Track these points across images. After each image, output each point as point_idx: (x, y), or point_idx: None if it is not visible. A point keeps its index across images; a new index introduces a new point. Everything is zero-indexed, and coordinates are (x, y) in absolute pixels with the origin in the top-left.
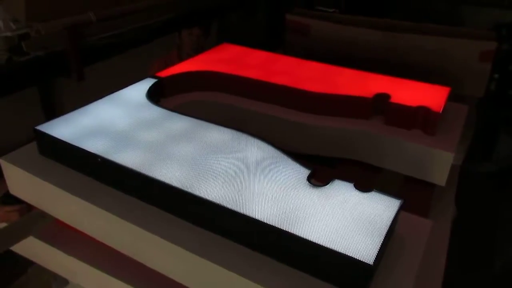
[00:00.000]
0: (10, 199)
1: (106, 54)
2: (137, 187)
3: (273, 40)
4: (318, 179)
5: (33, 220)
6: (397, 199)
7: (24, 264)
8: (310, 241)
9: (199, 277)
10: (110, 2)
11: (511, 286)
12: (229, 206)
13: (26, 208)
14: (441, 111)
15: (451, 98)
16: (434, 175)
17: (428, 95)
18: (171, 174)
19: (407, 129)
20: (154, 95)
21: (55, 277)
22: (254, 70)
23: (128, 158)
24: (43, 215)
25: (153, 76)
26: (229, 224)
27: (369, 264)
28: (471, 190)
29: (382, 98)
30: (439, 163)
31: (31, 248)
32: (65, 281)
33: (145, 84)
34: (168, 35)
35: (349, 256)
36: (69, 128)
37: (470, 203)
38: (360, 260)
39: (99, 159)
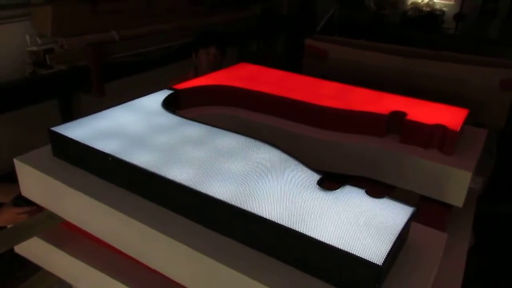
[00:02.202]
0: (22, 201)
1: (127, 73)
2: (148, 187)
3: (291, 66)
4: (328, 186)
5: (41, 220)
6: (409, 206)
7: (29, 269)
8: (319, 240)
9: (207, 279)
10: (133, 23)
11: None
12: (239, 206)
13: (36, 210)
14: (458, 130)
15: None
16: (451, 195)
17: (445, 115)
18: (182, 175)
19: (423, 147)
20: (169, 106)
21: (58, 283)
22: (270, 86)
23: (140, 159)
24: (52, 216)
25: (170, 88)
26: (237, 224)
27: (378, 264)
28: (490, 224)
29: (398, 116)
30: (456, 183)
31: (36, 249)
32: (68, 286)
33: (161, 95)
34: (188, 57)
35: (358, 256)
36: (83, 130)
37: (489, 234)
38: (369, 261)
39: (110, 158)
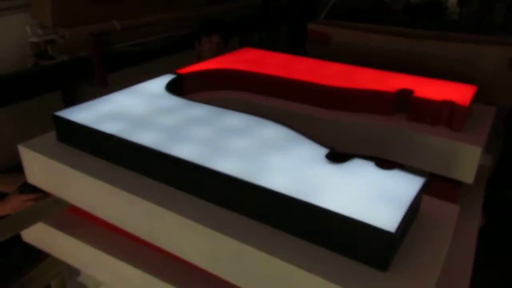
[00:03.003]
0: (28, 189)
1: (129, 63)
2: (154, 166)
3: (295, 53)
4: (337, 159)
5: (47, 206)
6: (420, 177)
7: (37, 256)
8: (330, 210)
9: (218, 255)
10: (134, 13)
11: None
12: (247, 180)
13: (42, 197)
14: (467, 105)
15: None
16: (461, 172)
17: (453, 92)
18: (188, 152)
19: (431, 124)
20: (173, 90)
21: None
22: (275, 69)
23: (145, 139)
24: (58, 201)
25: (173, 72)
26: (246, 199)
27: (391, 232)
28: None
29: (405, 94)
30: (466, 159)
31: (43, 235)
32: (77, 272)
33: (165, 79)
34: (190, 47)
35: (370, 224)
36: (87, 114)
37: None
38: (381, 228)
39: (115, 139)
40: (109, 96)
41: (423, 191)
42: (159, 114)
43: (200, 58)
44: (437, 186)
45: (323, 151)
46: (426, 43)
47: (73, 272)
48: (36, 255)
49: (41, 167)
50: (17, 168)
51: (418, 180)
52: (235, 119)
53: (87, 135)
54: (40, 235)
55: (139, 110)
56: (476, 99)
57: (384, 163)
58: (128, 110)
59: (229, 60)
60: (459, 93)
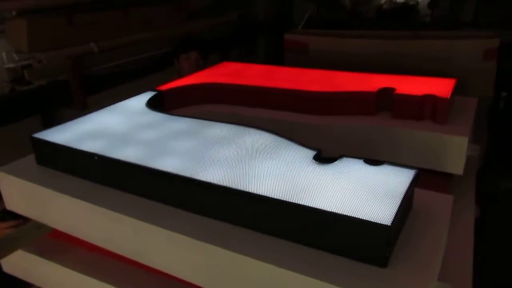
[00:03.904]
0: (7, 216)
1: (109, 84)
2: (138, 182)
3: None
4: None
5: (27, 232)
6: (411, 169)
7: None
8: (323, 210)
9: (210, 268)
10: (111, 34)
11: None
12: (235, 187)
13: (22, 223)
14: (449, 97)
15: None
16: (450, 164)
17: (434, 86)
18: (172, 165)
19: (415, 120)
20: (154, 107)
21: None
22: (255, 79)
23: (127, 155)
24: (39, 226)
25: (153, 90)
26: (235, 207)
27: (387, 225)
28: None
29: (387, 92)
30: (453, 150)
31: (25, 264)
32: None
33: (145, 96)
34: (169, 66)
35: (365, 220)
36: (66, 134)
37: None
38: (377, 223)
39: (96, 157)
40: (88, 116)
41: (415, 183)
42: (140, 130)
43: (180, 76)
44: (426, 180)
45: (310, 153)
46: (401, 43)
47: None
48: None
49: (20, 192)
50: None
51: (409, 172)
52: (219, 130)
53: (67, 155)
54: (21, 263)
55: (120, 127)
56: (456, 91)
57: (371, 161)
58: (109, 128)
59: (209, 74)
60: (439, 86)
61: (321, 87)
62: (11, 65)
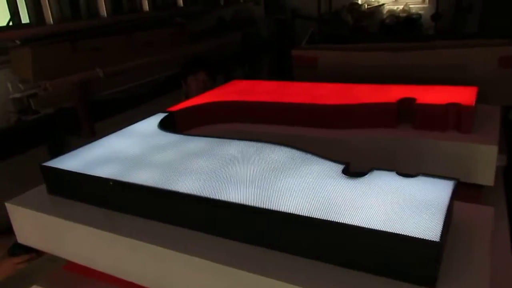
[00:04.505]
0: (19, 250)
1: (116, 110)
2: (156, 206)
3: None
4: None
5: (41, 266)
6: (450, 179)
7: None
8: (362, 227)
9: None
10: (116, 59)
11: None
12: (261, 206)
13: (36, 257)
14: (474, 105)
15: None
16: (479, 175)
17: (455, 95)
18: (190, 186)
19: (439, 130)
20: (166, 129)
21: None
22: (268, 96)
23: (143, 178)
24: (53, 259)
25: (164, 111)
26: (262, 227)
27: (436, 241)
28: None
29: (408, 102)
30: (483, 160)
31: None
32: None
33: (156, 119)
34: (177, 88)
35: (410, 236)
36: (77, 161)
37: None
38: (424, 239)
39: (111, 183)
40: (98, 141)
41: (455, 194)
42: (155, 152)
43: (187, 98)
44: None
45: (338, 167)
46: (412, 54)
47: None
48: None
49: (32, 224)
50: (7, 230)
51: (448, 183)
52: (237, 147)
53: (80, 182)
54: None
55: (133, 150)
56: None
57: (405, 173)
58: (121, 152)
59: (220, 93)
60: (461, 95)
61: (338, 100)
62: (17, 95)
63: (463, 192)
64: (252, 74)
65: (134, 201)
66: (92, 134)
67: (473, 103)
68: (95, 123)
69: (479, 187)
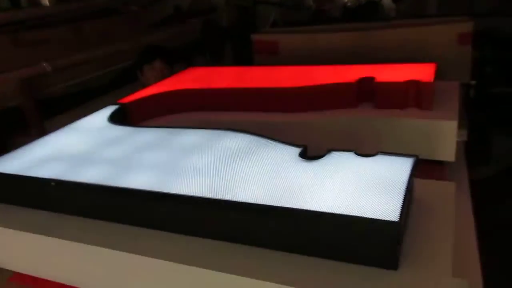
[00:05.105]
0: None
1: (68, 105)
2: (104, 205)
3: None
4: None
5: None
6: (409, 156)
7: None
8: (318, 211)
9: None
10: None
11: None
12: (217, 197)
13: None
14: (433, 81)
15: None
16: (440, 151)
17: (414, 72)
18: (141, 181)
19: (400, 108)
20: (118, 122)
21: None
22: (226, 82)
23: (90, 176)
24: None
25: (115, 103)
26: (219, 220)
27: (395, 221)
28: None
29: (367, 81)
30: (443, 136)
31: None
32: None
33: (106, 112)
34: (134, 79)
35: (368, 218)
36: (17, 162)
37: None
38: (383, 220)
39: (53, 183)
40: (43, 139)
41: (415, 171)
42: (104, 147)
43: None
44: (420, 169)
45: (295, 151)
46: (373, 34)
47: None
48: None
49: None
50: None
51: (407, 160)
52: (191, 137)
53: (20, 185)
54: None
55: (80, 147)
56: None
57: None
58: (67, 149)
59: (175, 81)
60: (420, 72)
61: (297, 83)
62: None
63: (426, 169)
64: (213, 62)
65: (79, 202)
66: (42, 133)
67: (432, 80)
68: (46, 121)
69: (442, 163)
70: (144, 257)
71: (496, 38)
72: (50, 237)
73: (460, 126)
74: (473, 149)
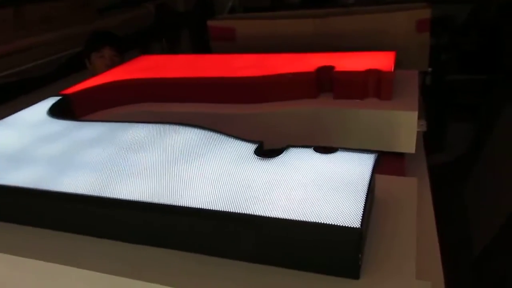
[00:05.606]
0: None
1: (7, 96)
2: (36, 211)
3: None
4: (269, 153)
5: None
6: (369, 153)
7: None
8: (271, 217)
9: None
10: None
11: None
12: (162, 202)
13: None
14: (393, 71)
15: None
16: (400, 143)
17: (374, 61)
18: (78, 183)
19: (360, 98)
20: (59, 116)
21: None
22: (179, 71)
23: (20, 178)
24: None
25: (57, 94)
26: (165, 227)
27: (356, 227)
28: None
29: (326, 70)
30: (404, 127)
31: None
32: None
33: (46, 104)
34: (82, 67)
35: (327, 224)
36: None
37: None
38: (343, 226)
39: None
40: None
41: (376, 168)
42: (40, 144)
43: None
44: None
45: (250, 147)
46: (332, 21)
47: None
48: None
49: None
50: None
51: (368, 157)
52: (137, 132)
53: None
54: None
55: (13, 144)
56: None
57: (323, 148)
58: None
59: (124, 70)
60: (379, 60)
61: (254, 72)
62: None
63: (385, 161)
64: (169, 49)
65: (9, 207)
66: None
67: (392, 69)
68: None
69: (401, 154)
70: (78, 269)
71: (451, 25)
72: None
73: (419, 116)
74: (429, 136)
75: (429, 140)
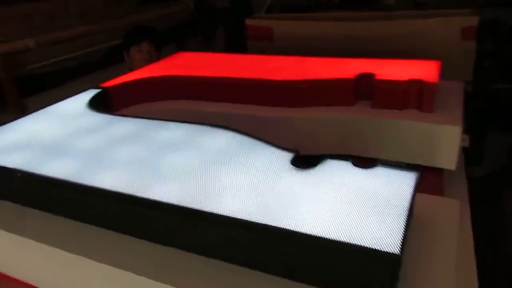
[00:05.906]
0: None
1: (50, 84)
2: (71, 203)
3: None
4: (306, 164)
5: None
6: (410, 171)
7: None
8: (309, 235)
9: None
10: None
11: None
12: (195, 207)
13: None
14: (437, 82)
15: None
16: (441, 158)
17: (417, 70)
18: (112, 180)
19: (399, 109)
20: (98, 108)
21: None
22: (216, 70)
23: (57, 169)
24: None
25: (96, 87)
26: (194, 232)
27: (395, 254)
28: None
29: (366, 78)
30: (445, 142)
31: None
32: None
33: (87, 96)
34: (120, 60)
35: (364, 247)
36: None
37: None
38: (381, 251)
39: (19, 174)
40: (13, 124)
41: (416, 189)
42: (78, 137)
43: (131, 71)
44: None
45: (287, 156)
46: (373, 25)
47: None
48: None
49: None
50: None
51: (409, 176)
52: (172, 131)
53: None
54: None
55: (52, 135)
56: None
57: (361, 161)
58: (37, 137)
59: (162, 66)
60: (423, 70)
61: (291, 75)
62: None
63: (422, 176)
64: (206, 46)
65: (46, 197)
66: (21, 111)
67: (436, 80)
68: (27, 98)
69: (440, 170)
70: (105, 265)
71: (496, 31)
72: (9, 233)
73: (462, 131)
74: (468, 148)
75: (468, 152)
